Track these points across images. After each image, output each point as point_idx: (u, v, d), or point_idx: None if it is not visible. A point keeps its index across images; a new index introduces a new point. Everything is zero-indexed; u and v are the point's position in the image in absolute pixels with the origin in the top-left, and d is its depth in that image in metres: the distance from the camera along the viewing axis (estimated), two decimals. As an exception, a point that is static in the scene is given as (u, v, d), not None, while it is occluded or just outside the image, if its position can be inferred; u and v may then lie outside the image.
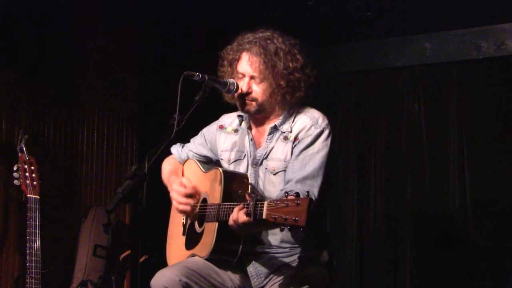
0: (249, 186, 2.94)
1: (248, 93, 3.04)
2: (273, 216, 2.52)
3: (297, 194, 2.52)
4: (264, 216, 2.56)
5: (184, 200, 3.05)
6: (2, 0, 4.26)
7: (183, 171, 3.32)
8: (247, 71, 3.03)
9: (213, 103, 3.06)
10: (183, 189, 3.06)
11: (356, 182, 4.94)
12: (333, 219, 4.82)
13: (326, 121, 3.03)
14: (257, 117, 3.12)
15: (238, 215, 2.69)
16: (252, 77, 3.03)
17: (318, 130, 2.99)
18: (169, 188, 3.19)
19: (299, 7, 4.65)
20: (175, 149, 3.39)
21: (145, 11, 4.95)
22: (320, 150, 2.95)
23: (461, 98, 4.64)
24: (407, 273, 4.66)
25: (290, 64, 3.03)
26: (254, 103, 3.05)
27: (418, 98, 4.79)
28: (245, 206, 2.68)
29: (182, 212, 3.10)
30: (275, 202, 2.54)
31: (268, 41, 3.03)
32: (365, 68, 5.00)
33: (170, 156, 3.39)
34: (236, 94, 3.06)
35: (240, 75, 3.06)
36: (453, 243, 4.57)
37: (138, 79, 5.17)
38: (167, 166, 3.35)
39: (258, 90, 3.03)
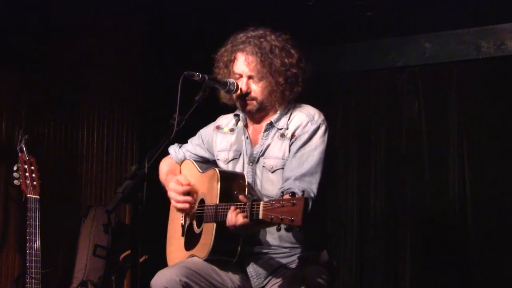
0: (246, 187, 2.94)
1: (247, 93, 3.03)
2: (269, 216, 2.53)
3: (293, 194, 2.52)
4: (260, 217, 2.57)
5: (182, 198, 3.05)
6: (2, 0, 4.26)
7: (180, 171, 3.32)
8: (244, 71, 3.03)
9: (213, 103, 3.06)
10: (180, 187, 3.06)
11: (356, 181, 4.94)
12: (333, 219, 4.82)
13: (322, 117, 3.03)
14: (255, 115, 3.12)
15: (236, 216, 2.70)
16: (250, 77, 3.03)
17: (315, 126, 2.98)
18: (166, 188, 3.18)
19: (299, 7, 4.65)
20: (173, 149, 3.38)
21: (145, 11, 4.94)
22: (317, 147, 2.95)
23: (461, 98, 4.64)
24: (407, 273, 4.67)
25: (286, 60, 3.02)
26: (254, 102, 3.04)
27: (418, 98, 4.79)
28: (242, 207, 2.68)
29: (180, 210, 3.10)
30: (271, 202, 2.55)
31: (262, 39, 3.03)
32: (365, 68, 5.01)
33: (167, 157, 3.38)
34: (235, 95, 3.06)
35: (237, 76, 3.05)
36: (453, 243, 4.57)
37: (138, 79, 5.16)
38: (165, 167, 3.34)
39: (257, 89, 3.03)
